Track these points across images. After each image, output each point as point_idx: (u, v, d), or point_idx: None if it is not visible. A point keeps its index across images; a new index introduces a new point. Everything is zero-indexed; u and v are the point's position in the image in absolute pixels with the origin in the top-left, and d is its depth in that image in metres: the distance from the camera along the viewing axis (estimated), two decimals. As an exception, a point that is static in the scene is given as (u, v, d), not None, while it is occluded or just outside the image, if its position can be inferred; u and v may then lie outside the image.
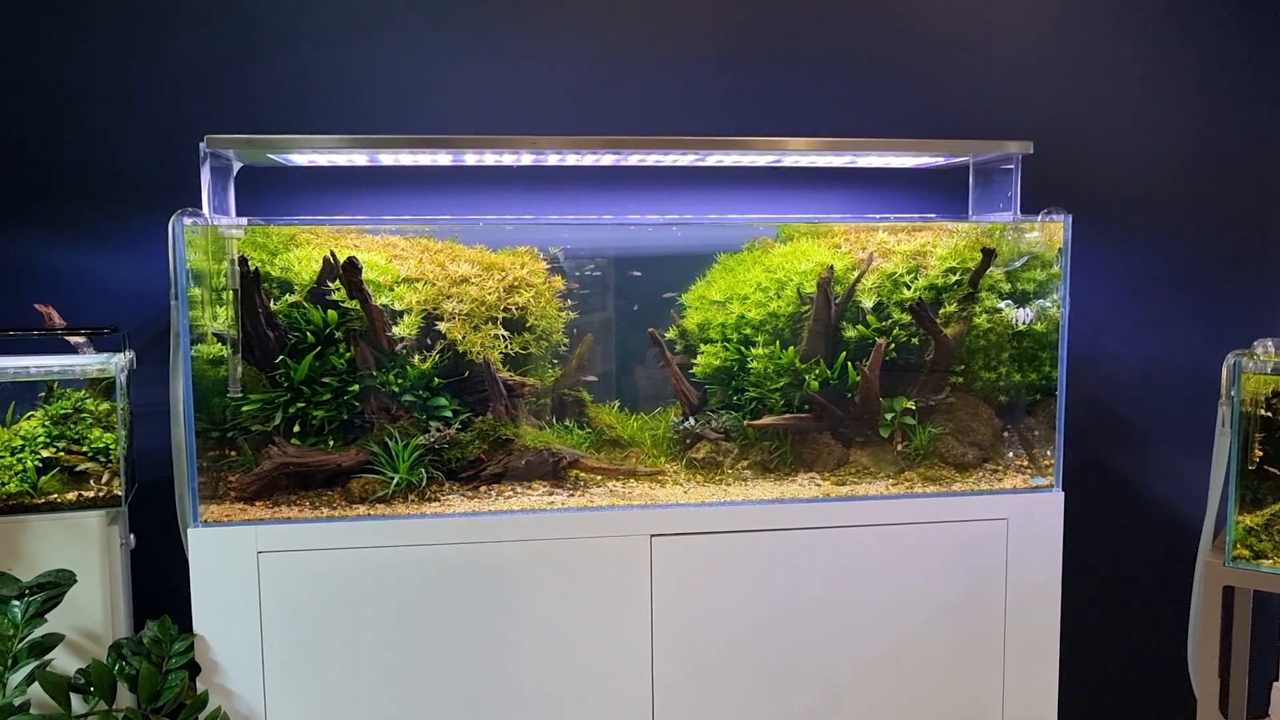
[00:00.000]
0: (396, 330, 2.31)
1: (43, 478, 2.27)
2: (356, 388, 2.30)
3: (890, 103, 2.82)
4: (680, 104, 2.75)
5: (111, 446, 2.32)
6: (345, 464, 2.28)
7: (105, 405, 2.34)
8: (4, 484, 2.24)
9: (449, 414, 2.35)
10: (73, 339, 2.42)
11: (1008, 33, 2.86)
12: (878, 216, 2.71)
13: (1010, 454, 2.54)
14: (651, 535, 2.28)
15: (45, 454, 2.29)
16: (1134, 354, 3.00)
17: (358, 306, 2.30)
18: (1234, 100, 2.93)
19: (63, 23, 2.52)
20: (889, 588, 2.37)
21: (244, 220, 2.25)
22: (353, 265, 2.24)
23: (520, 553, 2.24)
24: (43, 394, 2.36)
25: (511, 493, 2.34)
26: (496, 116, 2.69)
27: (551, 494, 2.34)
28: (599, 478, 2.41)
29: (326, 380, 2.29)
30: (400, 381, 2.32)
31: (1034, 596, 2.41)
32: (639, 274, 2.57)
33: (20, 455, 2.27)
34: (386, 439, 2.29)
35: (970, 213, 2.69)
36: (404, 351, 2.33)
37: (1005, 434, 2.56)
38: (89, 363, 2.33)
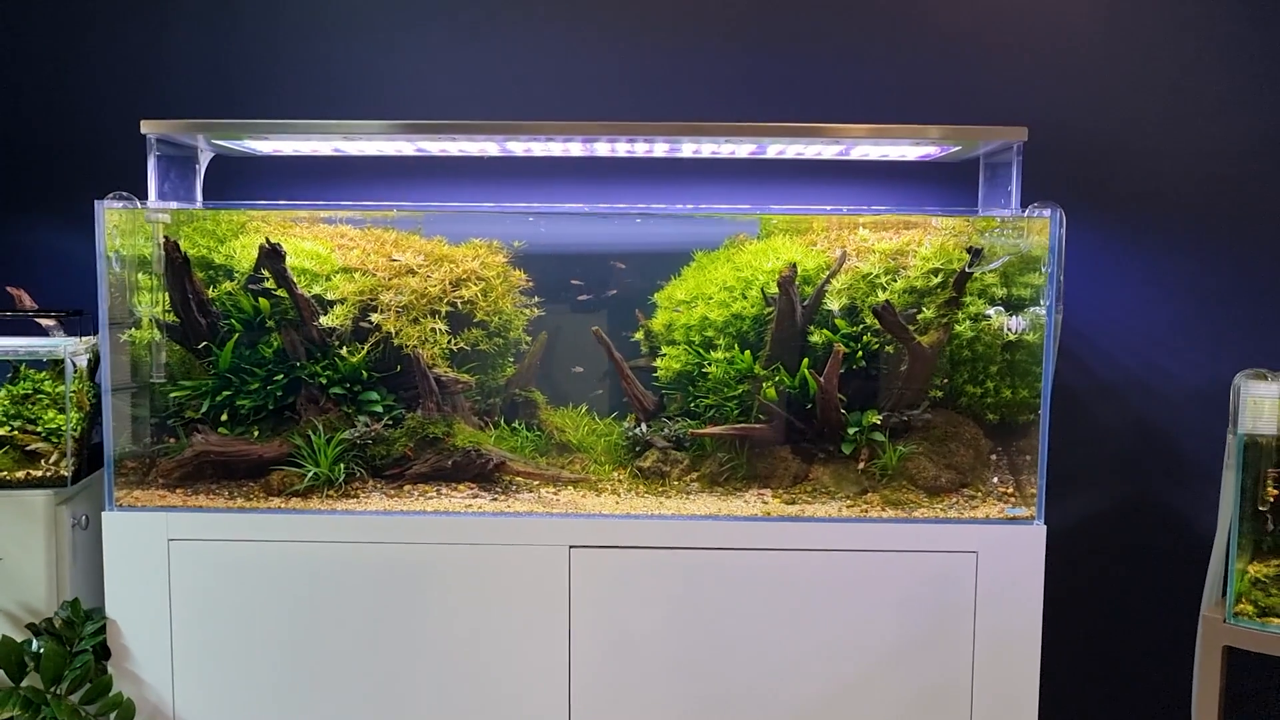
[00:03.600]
0: (324, 320, 2.25)
1: (-6, 455, 2.33)
2: (282, 377, 2.25)
3: (903, 95, 2.58)
4: (665, 92, 2.59)
5: (62, 428, 2.36)
6: (267, 455, 2.24)
7: (61, 387, 2.38)
8: (-44, 459, 2.32)
9: (379, 409, 2.27)
10: (44, 321, 2.49)
11: (1044, 19, 2.57)
12: (830, 208, 2.47)
13: (995, 480, 2.25)
14: (570, 546, 2.13)
15: (1, 432, 2.35)
16: (1195, 375, 2.63)
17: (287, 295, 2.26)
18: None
19: (51, 10, 2.60)
20: (836, 622, 2.13)
21: (172, 204, 2.25)
22: (275, 252, 2.20)
23: (431, 556, 2.14)
24: (9, 374, 2.43)
25: (435, 493, 2.24)
26: (478, 104, 2.61)
27: (476, 496, 2.23)
28: (533, 482, 2.28)
29: (255, 369, 2.26)
30: (329, 373, 2.26)
31: (1009, 642, 2.12)
32: (622, 266, 2.43)
33: (-25, 432, 2.34)
34: (310, 432, 2.24)
35: (980, 210, 2.42)
36: (335, 343, 2.27)
37: (993, 457, 2.28)
38: (39, 345, 2.37)
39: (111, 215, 2.16)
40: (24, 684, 2.11)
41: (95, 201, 2.14)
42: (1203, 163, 2.57)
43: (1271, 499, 1.94)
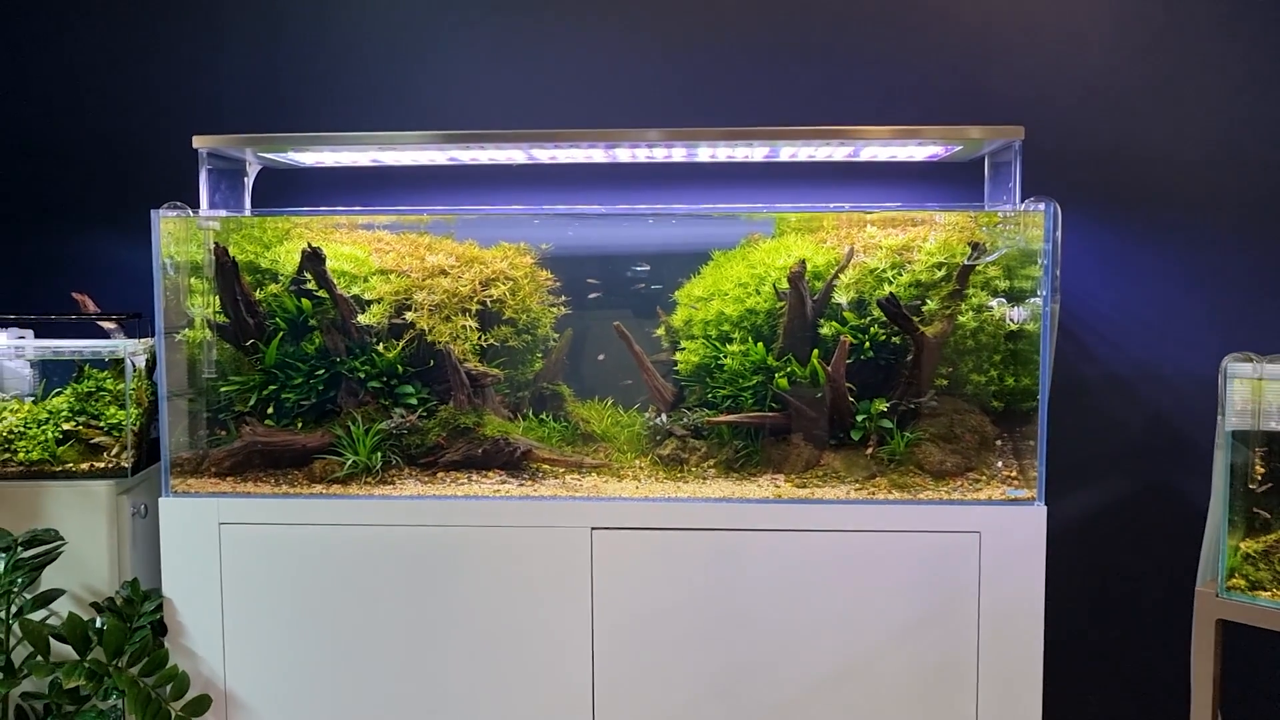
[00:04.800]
0: (362, 319, 2.41)
1: (61, 448, 2.51)
2: (323, 372, 2.41)
3: (913, 99, 2.69)
4: (682, 100, 2.73)
5: (123, 423, 2.53)
6: (310, 445, 2.40)
7: (122, 385, 2.56)
8: (29, 451, 2.49)
9: (414, 401, 2.42)
10: (105, 324, 2.67)
11: (1053, 18, 2.67)
12: (836, 205, 2.58)
13: (999, 464, 2.35)
14: (592, 528, 2.26)
15: (67, 427, 2.53)
16: (1205, 364, 2.70)
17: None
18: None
19: (109, 33, 2.79)
20: (847, 599, 2.24)
21: (221, 212, 2.42)
22: (316, 255, 2.36)
23: (463, 537, 2.28)
24: (74, 373, 2.61)
25: (466, 480, 2.38)
26: (506, 115, 2.77)
27: (504, 482, 2.37)
28: (559, 469, 2.41)
29: (299, 365, 2.42)
30: (367, 368, 2.42)
31: (1013, 620, 2.21)
32: (642, 268, 2.56)
33: (44, 427, 2.52)
34: (349, 423, 2.39)
35: (985, 205, 2.52)
36: (373, 340, 2.42)
37: (998, 443, 2.37)
38: (101, 346, 2.55)
39: (167, 224, 2.33)
40: (88, 657, 2.27)
41: (151, 211, 2.31)
42: (1209, 158, 2.66)
43: (1260, 477, 2.02)
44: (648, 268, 2.55)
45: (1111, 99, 2.66)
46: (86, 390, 2.57)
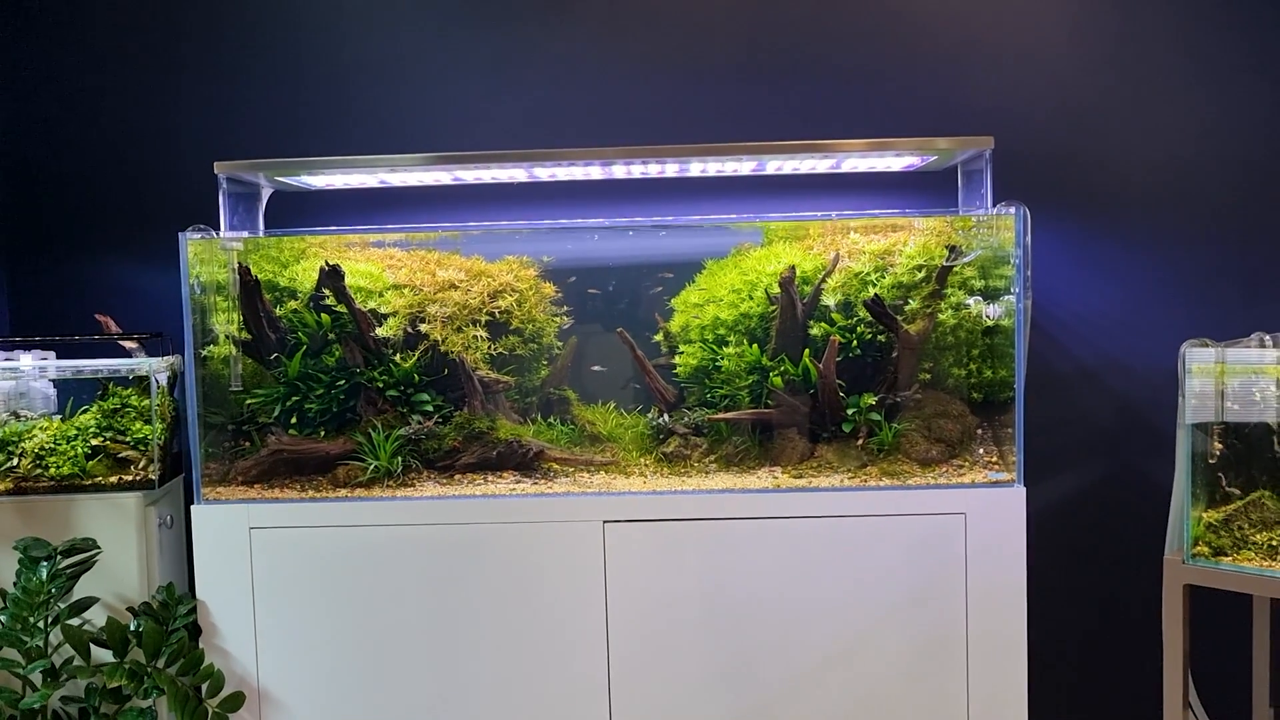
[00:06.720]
0: (379, 331, 2.55)
1: (90, 462, 2.62)
2: (344, 383, 2.55)
3: (891, 113, 2.87)
4: (673, 118, 2.90)
5: (149, 437, 2.65)
6: (333, 452, 2.53)
7: (147, 401, 2.68)
8: (59, 466, 2.61)
9: (430, 408, 2.56)
10: (126, 344, 2.79)
11: (1020, 33, 2.86)
12: (821, 214, 2.76)
13: (981, 451, 2.52)
14: (604, 521, 2.41)
15: (95, 442, 2.64)
16: (1169, 353, 2.89)
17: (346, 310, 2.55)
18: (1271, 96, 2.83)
19: (133, 68, 2.92)
20: (843, 579, 2.40)
21: (243, 234, 2.55)
22: (335, 272, 2.50)
23: (481, 535, 2.42)
24: (99, 391, 2.73)
25: (482, 480, 2.52)
26: (507, 136, 2.92)
27: (519, 482, 2.51)
28: (569, 468, 2.56)
29: (320, 377, 2.55)
30: (385, 378, 2.55)
31: (998, 594, 2.38)
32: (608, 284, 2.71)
33: (74, 443, 2.63)
34: (370, 430, 2.53)
35: (960, 210, 2.69)
36: (390, 351, 2.56)
37: (979, 431, 2.55)
38: (124, 365, 2.67)
39: (192, 245, 2.46)
40: (127, 659, 2.39)
41: (179, 234, 2.44)
42: (1168, 160, 2.86)
43: (1219, 452, 2.20)
44: (670, 275, 2.70)
45: (1076, 107, 2.86)
46: (112, 407, 2.69)
